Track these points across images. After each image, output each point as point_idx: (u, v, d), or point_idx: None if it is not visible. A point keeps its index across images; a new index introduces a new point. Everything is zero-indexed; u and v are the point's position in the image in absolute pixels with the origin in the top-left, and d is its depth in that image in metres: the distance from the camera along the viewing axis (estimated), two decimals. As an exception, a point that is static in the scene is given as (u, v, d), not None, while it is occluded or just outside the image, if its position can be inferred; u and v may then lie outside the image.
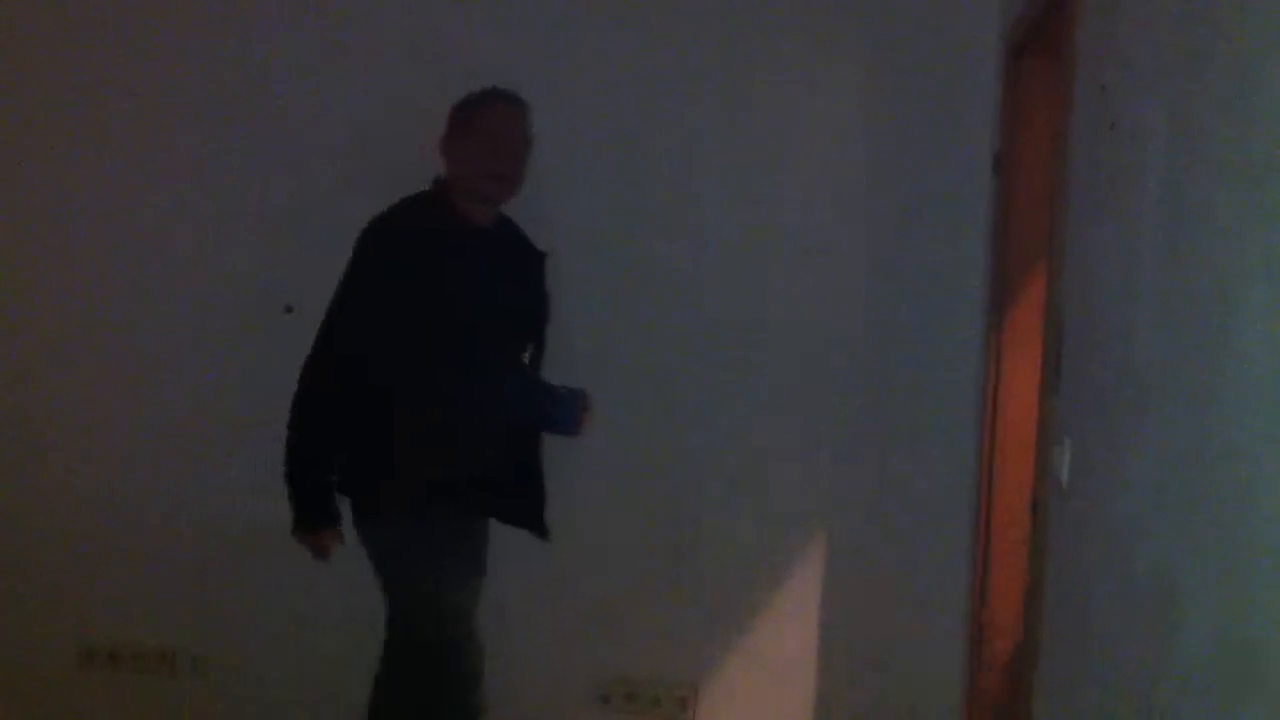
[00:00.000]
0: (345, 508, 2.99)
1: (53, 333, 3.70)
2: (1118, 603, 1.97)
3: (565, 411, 3.00)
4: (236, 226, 3.63)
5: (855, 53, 3.46)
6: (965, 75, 3.40)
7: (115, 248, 3.67)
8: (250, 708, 3.63)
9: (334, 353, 2.84)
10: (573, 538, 3.35)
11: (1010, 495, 3.11)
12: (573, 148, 3.45)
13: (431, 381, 2.83)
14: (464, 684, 2.93)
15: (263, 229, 3.62)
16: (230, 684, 3.63)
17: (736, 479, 3.51)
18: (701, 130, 3.50)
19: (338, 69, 3.58)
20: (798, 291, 3.50)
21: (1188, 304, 1.69)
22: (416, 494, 2.85)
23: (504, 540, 3.20)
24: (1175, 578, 1.68)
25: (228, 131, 3.62)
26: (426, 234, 2.86)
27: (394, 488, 2.85)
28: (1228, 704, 1.46)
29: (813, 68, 3.47)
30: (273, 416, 3.61)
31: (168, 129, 3.63)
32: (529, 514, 3.04)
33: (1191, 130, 1.72)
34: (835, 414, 3.49)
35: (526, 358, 3.07)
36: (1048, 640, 2.44)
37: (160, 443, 3.66)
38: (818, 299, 3.49)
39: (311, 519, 2.89)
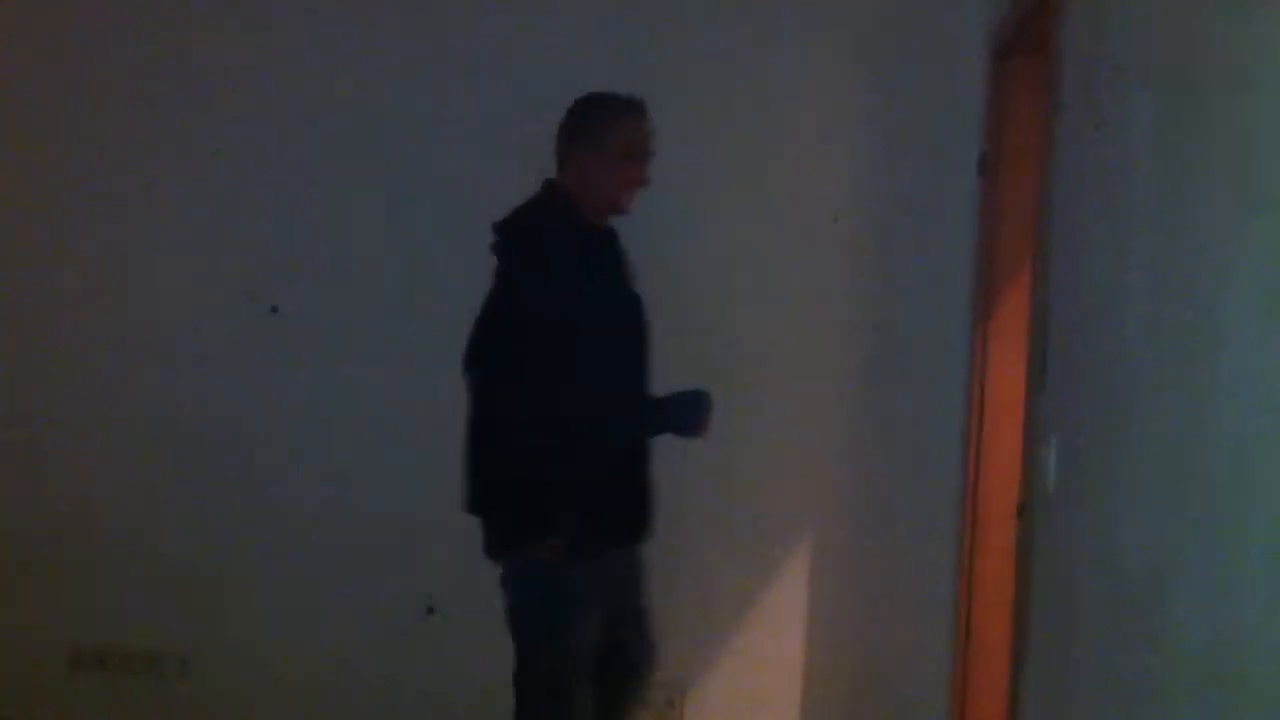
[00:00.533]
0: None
1: (45, 337, 3.67)
2: (1106, 603, 1.97)
3: (695, 414, 2.90)
4: (231, 228, 3.62)
5: (841, 53, 3.46)
6: (951, 74, 3.41)
7: (113, 248, 3.65)
8: (237, 711, 3.61)
9: (512, 379, 2.65)
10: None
11: (998, 494, 3.11)
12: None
13: (610, 403, 2.71)
14: None
15: (258, 230, 3.61)
16: (218, 687, 3.62)
17: (724, 479, 3.51)
18: (687, 133, 3.50)
19: (336, 67, 3.58)
20: (784, 292, 3.49)
21: (1177, 302, 1.69)
22: (604, 526, 2.72)
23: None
24: (1164, 578, 1.68)
25: (221, 132, 3.61)
26: (581, 246, 2.74)
27: (575, 519, 2.65)
28: (1217, 706, 1.46)
29: (799, 69, 3.47)
30: (264, 418, 3.61)
31: (162, 128, 3.62)
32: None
33: (1180, 129, 1.73)
34: (822, 415, 3.49)
35: None
36: (1035, 640, 2.44)
37: (151, 445, 3.64)
38: (804, 300, 3.49)
39: (536, 534, 2.67)
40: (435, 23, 3.56)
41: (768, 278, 3.50)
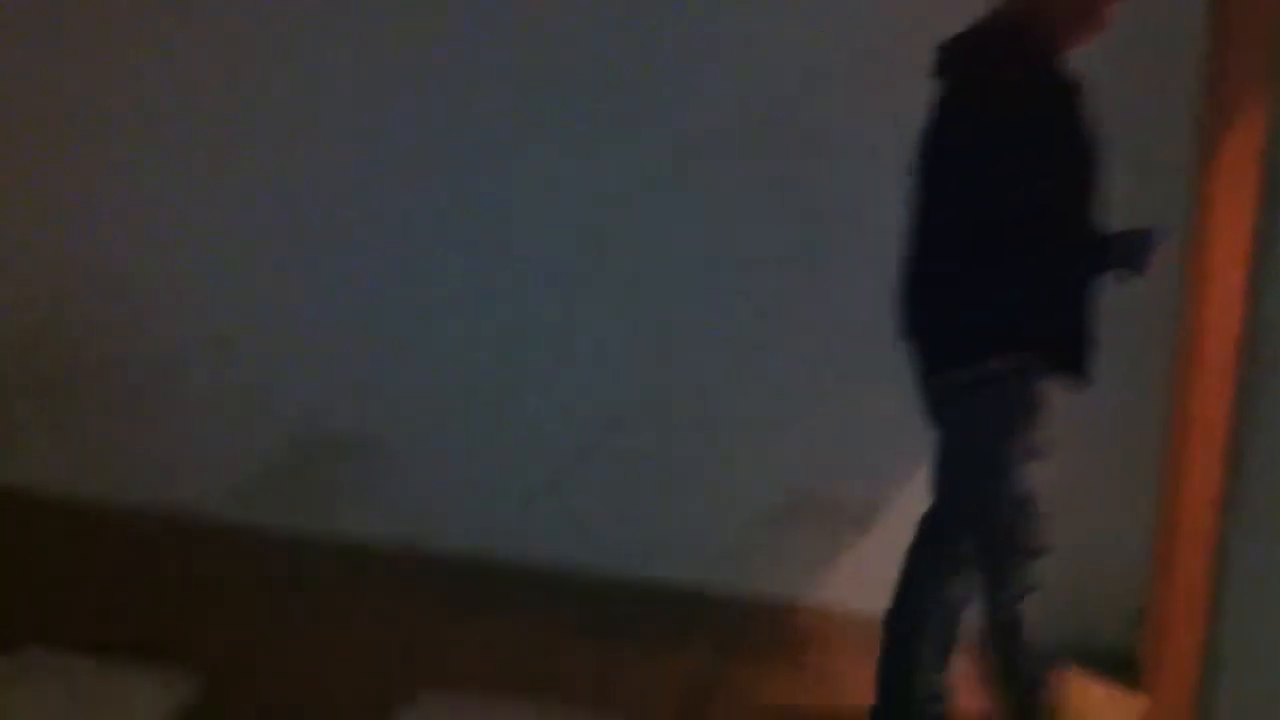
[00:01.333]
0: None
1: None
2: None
3: (1142, 251, 2.78)
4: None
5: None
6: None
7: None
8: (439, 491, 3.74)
9: (966, 207, 2.72)
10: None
11: (1218, 329, 2.87)
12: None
13: (1063, 232, 2.73)
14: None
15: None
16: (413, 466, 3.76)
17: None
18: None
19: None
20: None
21: None
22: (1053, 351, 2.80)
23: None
24: None
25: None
26: (1032, 76, 2.69)
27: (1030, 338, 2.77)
28: None
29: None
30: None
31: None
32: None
33: None
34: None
35: None
36: (1249, 478, 2.47)
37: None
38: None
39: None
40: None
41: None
